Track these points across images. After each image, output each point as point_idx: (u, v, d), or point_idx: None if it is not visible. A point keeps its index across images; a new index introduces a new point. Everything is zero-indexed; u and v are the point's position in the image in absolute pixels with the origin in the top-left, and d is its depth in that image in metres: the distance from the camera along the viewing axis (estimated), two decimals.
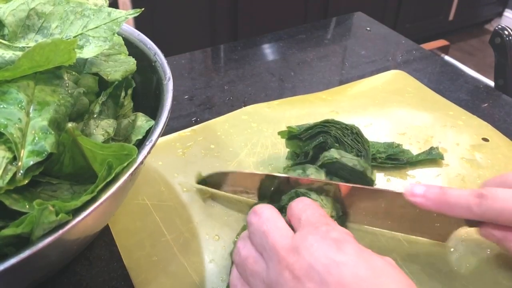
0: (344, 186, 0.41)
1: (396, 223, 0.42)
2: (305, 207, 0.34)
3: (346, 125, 0.48)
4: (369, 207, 0.42)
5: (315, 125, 0.48)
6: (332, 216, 0.41)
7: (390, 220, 0.42)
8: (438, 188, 0.36)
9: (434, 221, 0.40)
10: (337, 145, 0.47)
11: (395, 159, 0.51)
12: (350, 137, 0.47)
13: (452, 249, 0.42)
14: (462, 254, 0.41)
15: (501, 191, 0.34)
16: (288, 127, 0.49)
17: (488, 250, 0.41)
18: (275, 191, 0.44)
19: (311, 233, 0.30)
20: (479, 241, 0.41)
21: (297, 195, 0.42)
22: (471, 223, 0.38)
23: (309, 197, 0.40)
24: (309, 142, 0.49)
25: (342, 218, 0.43)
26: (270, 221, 0.32)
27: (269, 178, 0.43)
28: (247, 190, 0.45)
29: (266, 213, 0.33)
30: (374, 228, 0.43)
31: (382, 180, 0.49)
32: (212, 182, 0.46)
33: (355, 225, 0.44)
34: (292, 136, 0.50)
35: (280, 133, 0.50)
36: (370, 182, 0.45)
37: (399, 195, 0.38)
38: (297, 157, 0.50)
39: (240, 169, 0.50)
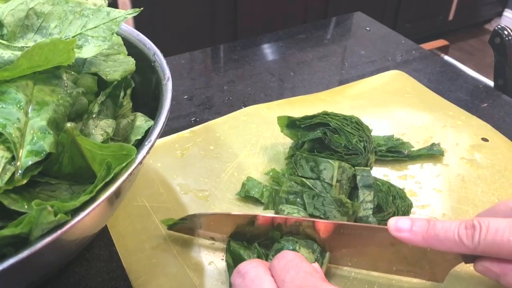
0: (325, 224, 0.38)
1: (386, 263, 0.38)
2: (288, 266, 0.31)
3: (345, 116, 0.49)
4: (354, 246, 0.38)
5: (314, 116, 0.49)
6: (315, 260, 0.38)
7: (379, 260, 0.39)
8: (425, 221, 0.34)
9: (428, 259, 0.37)
10: (336, 136, 0.47)
11: (396, 151, 0.52)
12: (350, 126, 0.48)
13: None
14: None
15: (493, 220, 0.31)
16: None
17: None
18: (259, 234, 0.40)
19: None
20: (479, 279, 0.38)
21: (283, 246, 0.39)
22: (468, 259, 0.35)
23: (296, 245, 0.38)
24: (307, 133, 0.49)
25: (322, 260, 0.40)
26: (254, 283, 0.30)
27: (247, 219, 0.39)
28: (222, 235, 0.41)
29: (251, 273, 0.31)
30: (363, 271, 0.40)
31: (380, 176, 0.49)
32: (185, 226, 0.41)
33: (342, 271, 0.40)
34: (291, 123, 0.50)
35: (279, 118, 0.50)
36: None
37: (385, 230, 0.35)
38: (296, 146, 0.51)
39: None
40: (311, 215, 0.42)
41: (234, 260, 0.39)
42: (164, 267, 0.40)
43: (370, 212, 0.43)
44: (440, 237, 0.33)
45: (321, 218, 0.42)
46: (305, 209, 0.43)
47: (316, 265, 0.35)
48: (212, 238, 0.42)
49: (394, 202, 0.44)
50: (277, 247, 0.39)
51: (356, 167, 0.46)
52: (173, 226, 0.41)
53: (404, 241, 0.34)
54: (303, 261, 0.31)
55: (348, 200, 0.43)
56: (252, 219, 0.39)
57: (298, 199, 0.43)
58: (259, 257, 0.39)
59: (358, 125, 0.48)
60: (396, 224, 0.34)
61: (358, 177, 0.45)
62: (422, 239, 0.33)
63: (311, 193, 0.43)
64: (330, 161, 0.45)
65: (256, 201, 0.46)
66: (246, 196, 0.46)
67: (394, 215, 0.43)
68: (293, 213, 0.41)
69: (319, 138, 0.48)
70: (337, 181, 0.45)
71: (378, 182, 0.46)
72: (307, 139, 0.49)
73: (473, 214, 0.46)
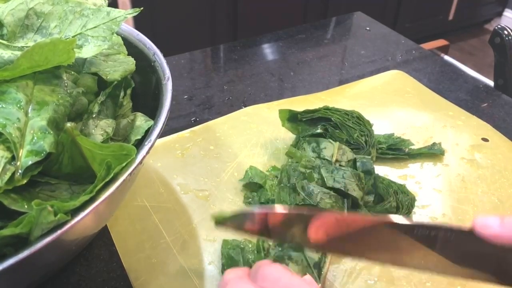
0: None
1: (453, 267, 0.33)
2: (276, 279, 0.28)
3: (346, 111, 0.49)
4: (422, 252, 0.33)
5: (316, 110, 0.49)
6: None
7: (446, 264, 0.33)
8: None
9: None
10: (338, 131, 0.48)
11: (396, 149, 0.52)
12: (351, 120, 0.48)
13: None
14: None
15: None
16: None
17: None
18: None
19: None
20: None
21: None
22: None
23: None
24: (308, 128, 0.49)
25: None
26: None
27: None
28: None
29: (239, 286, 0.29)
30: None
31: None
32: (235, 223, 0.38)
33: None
34: (292, 117, 0.50)
35: (280, 111, 0.51)
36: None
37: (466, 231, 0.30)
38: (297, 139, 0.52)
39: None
40: (331, 188, 0.42)
41: (227, 263, 0.39)
42: (164, 267, 0.40)
43: (372, 198, 0.44)
44: None
45: (342, 190, 0.41)
46: (323, 183, 0.42)
47: (308, 277, 0.33)
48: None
49: (395, 193, 0.45)
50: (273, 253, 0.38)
51: (357, 155, 0.47)
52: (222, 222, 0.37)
53: (490, 239, 0.30)
54: (292, 278, 0.29)
55: (364, 176, 0.43)
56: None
57: (315, 174, 0.44)
58: (258, 255, 0.39)
59: (359, 120, 0.49)
60: (484, 221, 0.30)
61: (358, 163, 0.46)
62: None
63: (329, 168, 0.43)
64: (331, 141, 0.46)
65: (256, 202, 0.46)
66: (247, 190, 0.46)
67: (396, 204, 0.44)
68: (325, 198, 0.41)
69: (320, 133, 0.49)
70: (337, 160, 0.45)
71: (379, 179, 0.46)
72: (308, 134, 0.49)
73: (473, 214, 0.46)
